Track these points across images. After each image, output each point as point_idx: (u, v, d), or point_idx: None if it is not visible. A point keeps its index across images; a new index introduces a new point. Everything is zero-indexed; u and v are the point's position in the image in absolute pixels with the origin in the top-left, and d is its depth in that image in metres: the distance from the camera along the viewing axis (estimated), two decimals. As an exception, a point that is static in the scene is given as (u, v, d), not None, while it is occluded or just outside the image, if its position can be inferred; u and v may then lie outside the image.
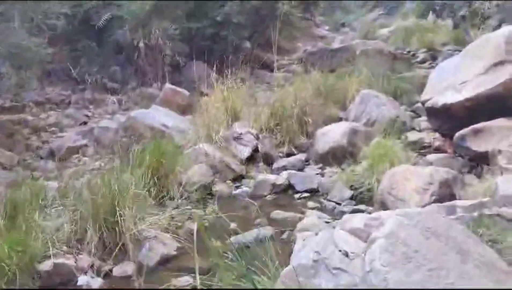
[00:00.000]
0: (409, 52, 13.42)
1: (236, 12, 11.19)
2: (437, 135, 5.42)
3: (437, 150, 5.26)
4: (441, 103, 4.96)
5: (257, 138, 5.91)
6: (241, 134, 5.81)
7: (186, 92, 8.77)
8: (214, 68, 7.79)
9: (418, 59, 11.79)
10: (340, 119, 6.89)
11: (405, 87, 7.68)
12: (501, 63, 4.60)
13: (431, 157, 4.95)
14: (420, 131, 6.10)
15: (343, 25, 23.28)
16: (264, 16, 13.06)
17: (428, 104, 5.21)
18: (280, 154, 6.05)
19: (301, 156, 5.95)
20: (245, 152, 5.67)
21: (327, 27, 21.78)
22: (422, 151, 5.35)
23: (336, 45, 14.65)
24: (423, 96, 5.44)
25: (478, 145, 4.41)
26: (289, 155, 6.05)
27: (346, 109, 7.13)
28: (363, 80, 7.62)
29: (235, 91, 6.63)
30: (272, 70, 11.93)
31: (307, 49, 13.95)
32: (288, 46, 16.28)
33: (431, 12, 11.18)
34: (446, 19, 10.53)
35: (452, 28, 10.65)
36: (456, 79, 4.96)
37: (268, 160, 5.81)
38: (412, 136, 5.78)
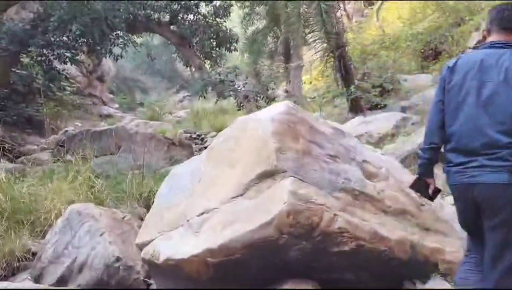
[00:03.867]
0: (199, 135, 11.79)
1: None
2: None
3: None
4: (164, 257, 2.32)
5: None
6: None
7: None
8: None
9: (207, 144, 9.70)
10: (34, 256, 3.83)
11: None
12: (269, 175, 2.27)
13: None
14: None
15: (141, 104, 21.28)
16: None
17: (145, 253, 2.54)
18: None
19: None
20: None
21: (116, 105, 19.21)
22: None
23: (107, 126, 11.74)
24: (139, 237, 2.76)
25: None
26: None
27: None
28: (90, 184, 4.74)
29: None
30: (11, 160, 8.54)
31: (67, 130, 10.85)
32: (56, 126, 12.91)
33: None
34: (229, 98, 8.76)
35: (237, 109, 8.90)
36: (192, 205, 2.45)
37: None
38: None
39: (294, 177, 2.25)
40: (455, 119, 2.05)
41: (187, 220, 2.43)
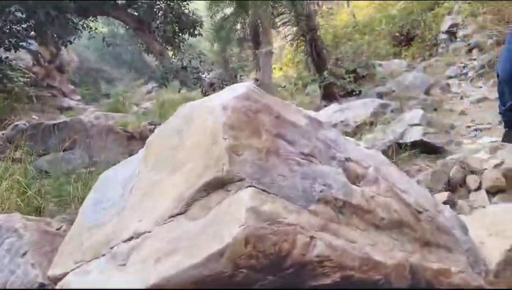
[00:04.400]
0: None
1: None
2: None
3: None
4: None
5: None
6: None
7: None
8: None
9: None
10: None
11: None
12: (220, 184, 1.63)
13: None
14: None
15: (107, 96, 20.31)
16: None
17: (60, 287, 1.87)
18: None
19: None
20: None
21: (78, 97, 18.17)
22: None
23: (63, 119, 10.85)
24: (52, 268, 2.08)
25: None
26: None
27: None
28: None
29: None
30: None
31: (17, 125, 9.90)
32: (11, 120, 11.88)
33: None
34: (194, 88, 8.03)
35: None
36: (120, 226, 1.80)
37: None
38: None
39: (254, 187, 1.62)
40: None
41: (111, 248, 1.76)
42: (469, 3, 10.01)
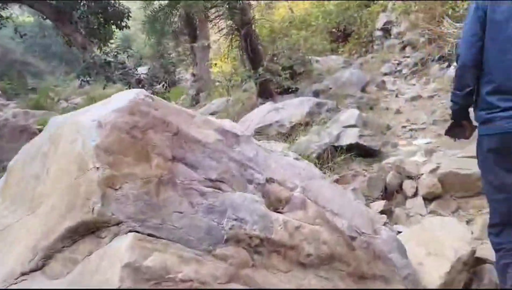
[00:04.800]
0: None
1: None
2: None
3: None
4: None
5: None
6: None
7: None
8: None
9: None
10: None
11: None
12: (89, 229, 1.18)
13: None
14: None
15: (33, 90, 18.79)
16: None
17: None
18: None
19: None
20: None
21: (-1, 92, 16.70)
22: None
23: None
24: None
25: None
26: None
27: None
28: None
29: None
30: None
31: None
32: None
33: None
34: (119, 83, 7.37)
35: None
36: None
37: None
38: None
39: (137, 232, 1.20)
40: (504, 55, 1.76)
41: None
42: (402, 1, 10.10)
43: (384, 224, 3.17)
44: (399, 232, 3.25)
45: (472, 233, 2.80)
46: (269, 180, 1.81)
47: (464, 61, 1.84)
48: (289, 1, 14.27)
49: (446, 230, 2.57)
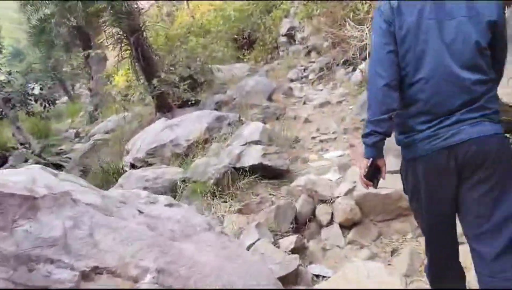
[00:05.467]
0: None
1: None
2: None
3: None
4: None
5: None
6: None
7: None
8: None
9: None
10: None
11: None
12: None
13: None
14: None
15: None
16: None
17: None
18: None
19: None
20: None
21: None
22: None
23: None
24: None
25: None
26: None
27: None
28: None
29: None
30: None
31: None
32: None
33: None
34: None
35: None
36: None
37: None
38: None
39: None
40: (419, 73, 1.53)
41: None
42: (304, 4, 9.83)
43: (298, 266, 2.55)
44: (316, 276, 2.65)
45: (400, 276, 2.26)
46: (91, 271, 1.05)
47: (388, 82, 1.54)
48: (190, 7, 13.54)
49: (372, 280, 1.99)
